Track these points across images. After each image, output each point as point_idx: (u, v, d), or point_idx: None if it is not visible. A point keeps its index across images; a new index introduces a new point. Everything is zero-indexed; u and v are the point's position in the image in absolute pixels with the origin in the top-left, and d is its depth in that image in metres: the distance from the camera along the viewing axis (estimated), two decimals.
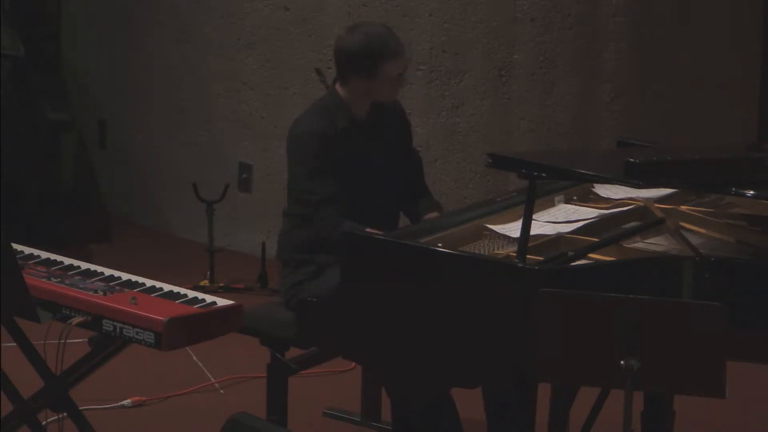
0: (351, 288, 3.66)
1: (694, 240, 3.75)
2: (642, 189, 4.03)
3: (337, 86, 4.20)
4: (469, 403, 4.15)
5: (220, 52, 6.86)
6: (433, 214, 4.27)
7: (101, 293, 3.54)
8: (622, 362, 3.05)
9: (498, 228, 3.84)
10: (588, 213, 4.02)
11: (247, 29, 6.72)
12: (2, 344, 3.91)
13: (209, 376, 5.17)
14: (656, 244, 3.77)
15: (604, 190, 4.25)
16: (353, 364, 4.84)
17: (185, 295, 3.58)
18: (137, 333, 3.41)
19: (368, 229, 3.97)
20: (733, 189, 3.71)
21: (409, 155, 4.41)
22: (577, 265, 3.56)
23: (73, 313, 3.50)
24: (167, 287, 3.64)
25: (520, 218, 3.58)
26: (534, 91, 6.34)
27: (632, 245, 3.74)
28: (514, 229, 3.75)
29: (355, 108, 4.18)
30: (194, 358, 5.26)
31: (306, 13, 6.52)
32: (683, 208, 4.04)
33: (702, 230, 3.88)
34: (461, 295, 3.48)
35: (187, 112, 7.11)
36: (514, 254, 3.51)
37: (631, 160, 3.53)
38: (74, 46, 7.87)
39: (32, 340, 3.73)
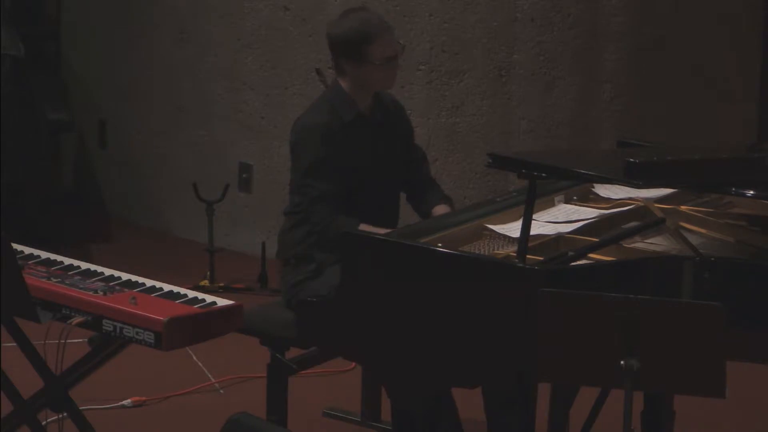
0: (351, 288, 3.66)
1: (694, 240, 3.75)
2: (642, 189, 4.03)
3: (339, 80, 4.22)
4: (469, 403, 4.15)
5: (220, 52, 6.86)
6: (442, 207, 4.27)
7: (101, 293, 3.54)
8: (622, 362, 3.06)
9: (498, 228, 3.84)
10: (588, 213, 4.02)
11: (247, 29, 6.72)
12: (2, 344, 3.91)
13: (209, 376, 5.17)
14: (656, 244, 3.77)
15: (604, 190, 4.25)
16: (353, 364, 4.84)
17: (185, 295, 3.58)
18: (137, 333, 3.41)
19: (362, 225, 3.97)
20: (733, 189, 3.71)
21: (410, 151, 4.41)
22: (577, 265, 3.56)
23: (73, 313, 3.50)
24: (167, 287, 3.64)
25: (520, 218, 3.59)
26: (534, 91, 6.33)
27: (632, 245, 3.74)
28: (514, 229, 3.75)
29: (359, 101, 4.19)
30: (194, 358, 5.26)
31: (306, 13, 6.51)
32: (683, 208, 4.04)
33: (702, 230, 3.88)
34: (461, 295, 3.48)
35: (187, 112, 7.10)
36: (514, 254, 3.51)
37: (631, 160, 3.53)
38: (74, 46, 7.86)
39: (32, 340, 3.73)
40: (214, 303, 3.55)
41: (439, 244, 3.61)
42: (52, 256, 3.87)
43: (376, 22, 4.17)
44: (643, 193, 4.11)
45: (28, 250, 3.89)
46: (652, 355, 3.06)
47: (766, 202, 3.88)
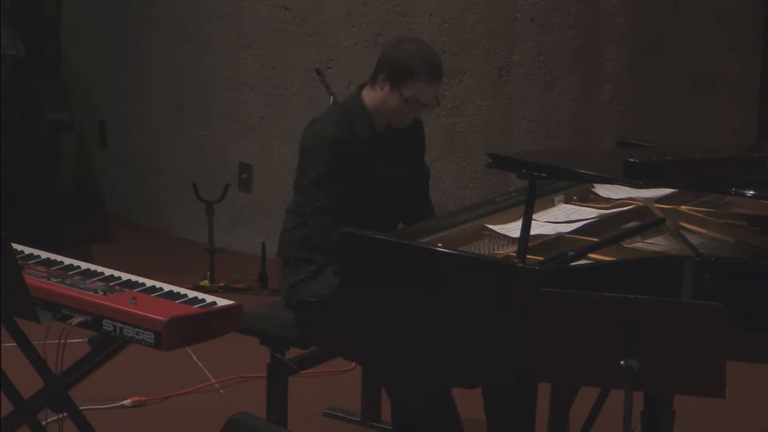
0: (351, 288, 3.66)
1: (694, 240, 3.75)
2: (642, 189, 4.03)
3: (363, 92, 4.16)
4: (469, 403, 4.15)
5: (220, 52, 6.86)
6: None
7: (101, 293, 3.54)
8: (622, 362, 3.06)
9: (498, 228, 3.84)
10: (588, 213, 4.02)
11: (247, 29, 6.72)
12: (2, 344, 3.91)
13: (209, 376, 5.17)
14: (656, 244, 3.77)
15: (604, 190, 4.25)
16: (353, 364, 4.84)
17: (185, 295, 3.58)
18: (137, 333, 3.41)
19: None
20: (733, 189, 3.71)
21: (418, 167, 4.39)
22: (577, 265, 3.56)
23: (73, 313, 3.50)
24: (167, 287, 3.64)
25: (520, 218, 3.59)
26: (534, 91, 6.33)
27: (632, 245, 3.74)
28: (514, 229, 3.75)
29: (375, 119, 4.14)
30: (194, 358, 5.26)
31: (306, 13, 6.51)
32: (683, 208, 4.04)
33: (702, 230, 3.88)
34: (461, 295, 3.48)
35: (187, 112, 7.10)
36: (514, 254, 3.51)
37: (631, 160, 3.53)
38: (74, 46, 7.87)
39: (32, 340, 3.73)
40: (214, 303, 3.55)
41: (439, 244, 3.61)
42: (52, 256, 3.87)
43: (432, 66, 4.09)
44: (643, 193, 4.11)
45: (28, 250, 3.89)
46: (652, 355, 3.06)
47: (766, 202, 3.88)
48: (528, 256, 3.47)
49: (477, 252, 3.71)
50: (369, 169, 4.12)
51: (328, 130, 4.09)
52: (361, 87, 4.19)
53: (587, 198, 4.23)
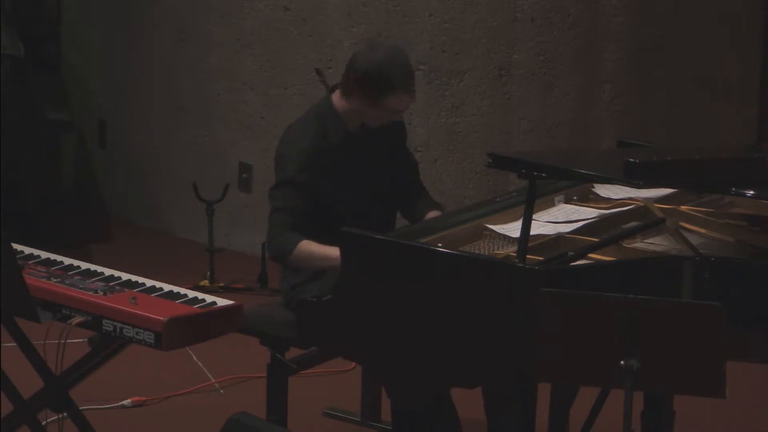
0: (350, 288, 3.65)
1: (694, 240, 3.75)
2: (642, 189, 4.03)
3: (334, 96, 4.16)
4: (469, 403, 4.15)
5: (220, 52, 6.86)
6: (434, 213, 4.25)
7: (101, 293, 3.54)
8: (622, 362, 3.06)
9: (498, 228, 3.84)
10: (588, 213, 4.02)
11: (247, 29, 6.72)
12: (2, 344, 3.91)
13: (209, 376, 5.17)
14: (656, 244, 3.77)
15: (604, 190, 4.25)
16: (353, 364, 4.84)
17: (185, 295, 3.58)
18: (137, 333, 3.41)
19: (304, 243, 3.93)
20: (733, 189, 3.71)
21: (403, 156, 4.38)
22: (577, 265, 3.56)
23: (73, 313, 3.50)
24: (167, 287, 3.64)
25: (520, 218, 3.59)
26: (534, 91, 6.33)
27: (632, 245, 3.74)
28: (514, 229, 3.75)
29: (348, 123, 4.14)
30: (194, 358, 5.26)
31: (306, 13, 6.51)
32: (683, 208, 4.04)
33: (702, 230, 3.88)
34: (461, 295, 3.48)
35: (187, 112, 7.10)
36: (514, 254, 3.51)
37: (631, 160, 3.53)
38: (74, 46, 7.86)
39: (32, 340, 3.73)
40: (214, 303, 3.55)
41: (439, 244, 3.61)
42: (52, 256, 3.87)
43: (407, 75, 4.04)
44: (643, 193, 4.11)
45: (28, 250, 3.89)
46: (652, 355, 3.06)
47: (766, 202, 3.88)
48: (528, 256, 3.47)
49: (477, 252, 3.71)
50: (351, 170, 4.12)
51: (303, 139, 4.07)
52: (332, 89, 4.17)
53: (587, 198, 4.23)
